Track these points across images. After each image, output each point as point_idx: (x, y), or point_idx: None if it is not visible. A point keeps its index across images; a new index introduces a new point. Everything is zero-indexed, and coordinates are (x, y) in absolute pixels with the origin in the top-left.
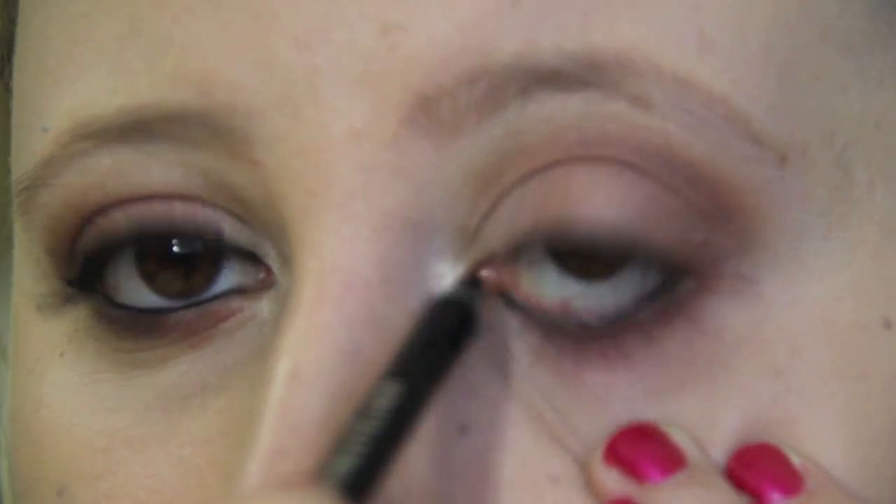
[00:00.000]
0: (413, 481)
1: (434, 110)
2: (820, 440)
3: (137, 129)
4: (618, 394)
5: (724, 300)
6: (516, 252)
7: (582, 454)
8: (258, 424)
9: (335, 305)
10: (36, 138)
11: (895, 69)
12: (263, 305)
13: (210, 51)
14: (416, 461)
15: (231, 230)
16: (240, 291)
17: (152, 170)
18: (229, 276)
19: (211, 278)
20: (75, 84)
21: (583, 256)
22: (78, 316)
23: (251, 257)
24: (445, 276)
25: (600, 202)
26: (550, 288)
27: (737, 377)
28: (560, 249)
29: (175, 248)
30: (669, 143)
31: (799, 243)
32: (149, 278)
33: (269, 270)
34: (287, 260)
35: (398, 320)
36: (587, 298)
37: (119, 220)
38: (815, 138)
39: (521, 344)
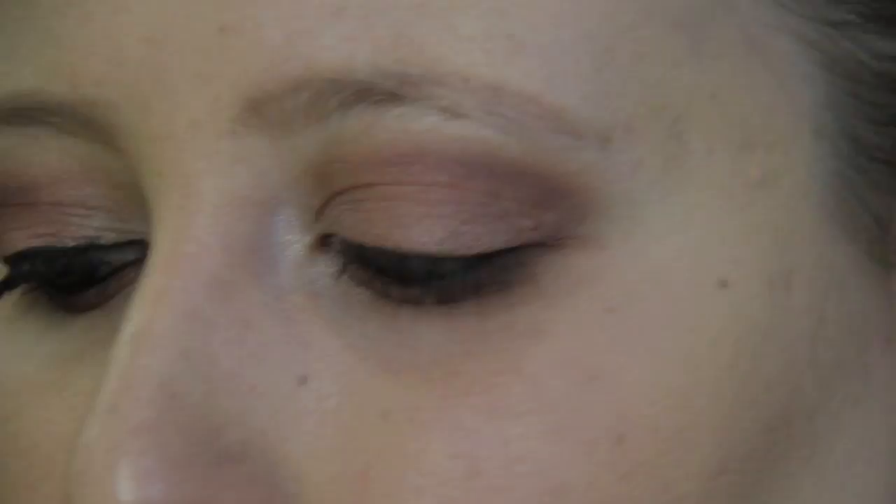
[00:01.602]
0: (252, 433)
1: (263, 112)
2: (638, 377)
3: (19, 114)
4: (438, 338)
5: (567, 252)
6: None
7: (411, 387)
8: (101, 383)
9: (175, 271)
10: None
11: (735, 44)
12: None
13: (77, 45)
14: (254, 413)
15: (107, 241)
16: (136, 262)
17: (35, 154)
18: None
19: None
20: None
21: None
22: None
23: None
24: (294, 244)
25: (425, 228)
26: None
27: (572, 305)
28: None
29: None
30: (487, 148)
31: (635, 209)
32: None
33: None
34: None
35: (243, 283)
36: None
37: (16, 237)
38: (641, 114)
39: (356, 299)
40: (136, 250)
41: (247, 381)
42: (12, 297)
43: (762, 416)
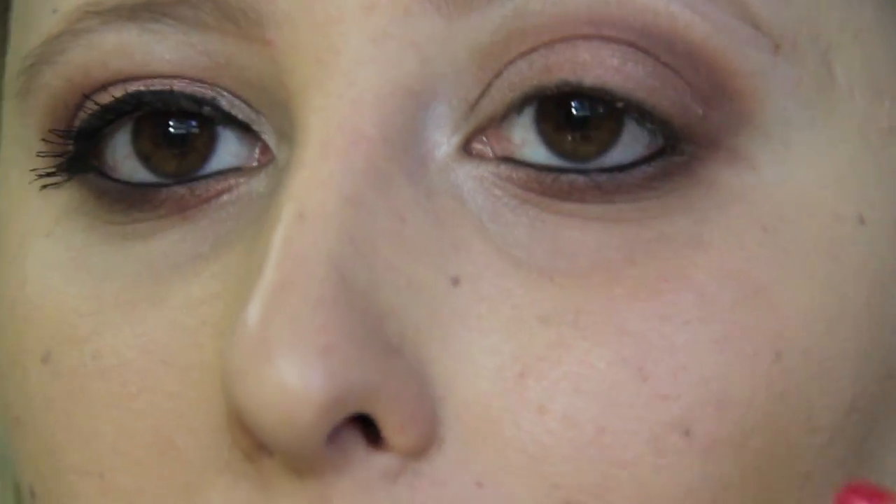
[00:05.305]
0: (408, 328)
1: None
2: (795, 297)
3: (148, 9)
4: (594, 245)
5: (719, 166)
6: (511, 120)
7: (570, 292)
8: (263, 263)
9: (340, 157)
10: (45, 20)
11: None
12: (260, 180)
13: None
14: (410, 309)
15: (228, 104)
16: (235, 170)
17: (156, 50)
18: (224, 156)
19: (206, 158)
20: None
21: (574, 139)
22: (70, 196)
23: (247, 134)
24: (442, 145)
25: (606, 71)
26: (542, 159)
27: (726, 220)
28: (557, 115)
29: (171, 129)
30: (674, 24)
31: (788, 130)
32: (144, 157)
33: (265, 147)
34: (285, 135)
35: (397, 178)
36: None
37: (117, 94)
38: (802, 33)
39: (502, 204)
40: (244, 152)
41: (404, 274)
42: (54, 213)
43: (887, 359)
